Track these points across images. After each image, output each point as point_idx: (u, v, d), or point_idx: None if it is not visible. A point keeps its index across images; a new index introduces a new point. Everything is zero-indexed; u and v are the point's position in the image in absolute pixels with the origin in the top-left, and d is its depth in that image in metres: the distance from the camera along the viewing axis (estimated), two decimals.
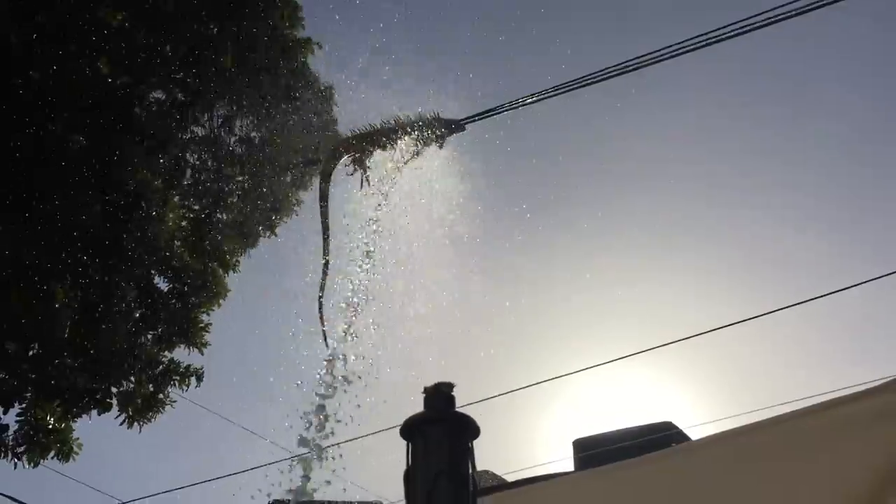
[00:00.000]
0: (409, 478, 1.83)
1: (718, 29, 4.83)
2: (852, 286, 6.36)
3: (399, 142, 5.71)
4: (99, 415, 7.03)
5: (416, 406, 1.91)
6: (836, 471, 2.27)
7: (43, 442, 6.74)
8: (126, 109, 6.88)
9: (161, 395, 7.33)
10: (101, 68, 6.72)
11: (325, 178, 7.01)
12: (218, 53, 7.48)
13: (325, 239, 6.30)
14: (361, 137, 6.31)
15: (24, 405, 6.70)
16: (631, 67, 5.20)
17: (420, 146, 5.62)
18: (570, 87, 5.43)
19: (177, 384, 7.41)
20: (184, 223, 7.56)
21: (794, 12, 4.61)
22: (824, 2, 4.53)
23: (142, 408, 7.19)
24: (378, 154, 5.93)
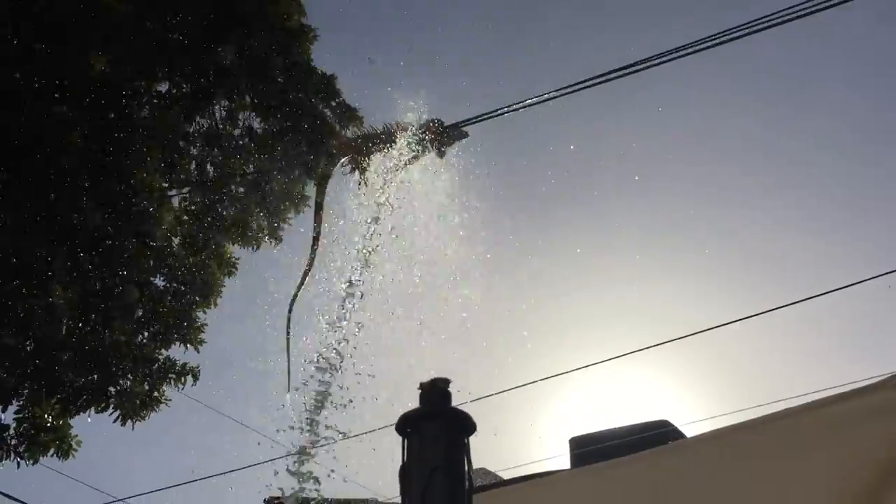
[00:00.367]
0: (405, 474, 1.84)
1: (721, 33, 4.83)
2: (849, 286, 6.37)
3: (398, 144, 5.70)
4: (96, 412, 7.03)
5: (412, 402, 1.91)
6: (831, 468, 2.28)
7: (42, 440, 6.74)
8: (127, 102, 6.86)
9: (156, 394, 7.33)
10: (100, 59, 6.71)
11: (322, 183, 6.99)
12: (219, 42, 7.48)
13: (314, 248, 6.23)
14: (360, 139, 6.29)
15: (21, 402, 6.69)
16: (633, 70, 5.20)
17: (420, 151, 5.60)
18: (570, 90, 5.44)
19: (172, 382, 7.42)
20: (185, 217, 7.55)
21: (794, 15, 4.61)
22: (825, 4, 4.53)
23: (138, 406, 7.19)
24: (377, 156, 5.91)
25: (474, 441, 1.90)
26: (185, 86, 7.58)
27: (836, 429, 2.28)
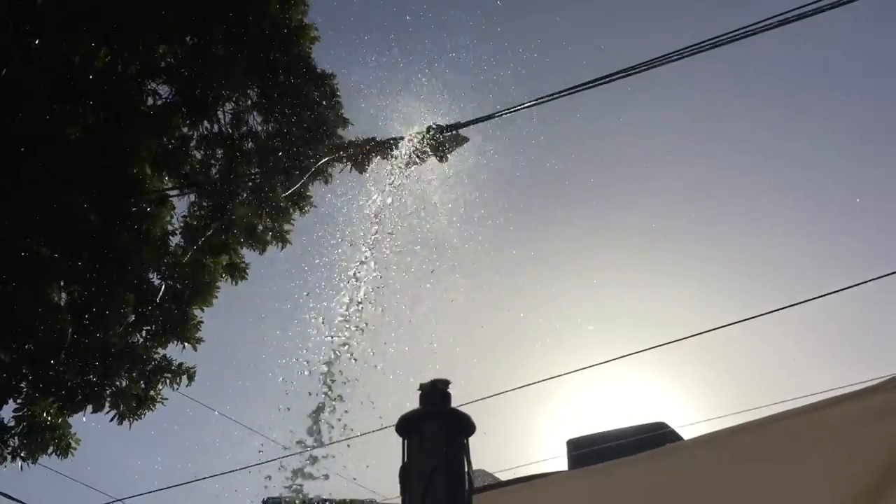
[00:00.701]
0: (405, 474, 1.84)
1: (722, 35, 4.84)
2: (847, 288, 6.38)
3: (400, 151, 5.71)
4: (93, 412, 7.02)
5: (412, 403, 1.92)
6: (829, 470, 2.29)
7: (42, 438, 6.72)
8: (129, 99, 6.86)
9: (153, 393, 7.33)
10: (102, 54, 6.71)
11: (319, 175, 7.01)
12: (217, 42, 7.49)
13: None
14: (361, 144, 6.32)
15: (20, 402, 6.68)
16: (632, 72, 5.21)
17: (421, 157, 5.62)
18: (568, 93, 5.45)
19: (168, 382, 7.42)
20: (194, 222, 7.57)
21: (794, 17, 4.63)
22: (824, 6, 4.55)
23: (134, 405, 7.19)
24: (378, 161, 5.93)
25: (472, 442, 1.91)
26: (187, 91, 7.59)
27: (835, 431, 2.29)
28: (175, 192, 7.56)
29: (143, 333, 7.33)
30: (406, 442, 1.88)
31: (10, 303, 6.09)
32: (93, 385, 6.90)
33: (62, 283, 6.42)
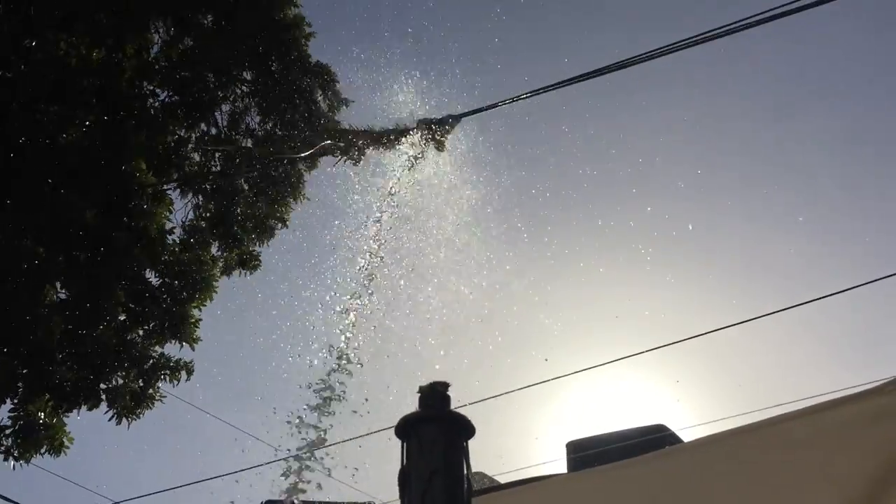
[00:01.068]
0: (404, 477, 1.84)
1: (719, 27, 4.83)
2: (845, 290, 6.38)
3: (398, 146, 5.71)
4: (89, 410, 7.01)
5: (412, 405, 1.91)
6: (826, 473, 2.28)
7: (35, 438, 6.71)
8: (125, 100, 6.87)
9: (151, 391, 7.32)
10: (96, 53, 6.72)
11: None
12: (212, 41, 7.52)
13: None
14: (354, 134, 6.30)
15: (15, 401, 6.67)
16: (627, 63, 5.18)
17: (419, 147, 5.61)
18: (564, 84, 5.42)
19: (167, 378, 7.41)
20: (202, 223, 7.60)
21: (789, 9, 4.62)
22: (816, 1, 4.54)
23: (131, 403, 7.18)
24: (375, 154, 5.93)
25: (472, 444, 1.91)
26: (181, 91, 7.61)
27: (833, 434, 2.29)
28: (172, 187, 7.57)
29: (140, 332, 7.33)
30: (405, 445, 1.87)
31: (5, 301, 6.07)
32: (88, 383, 6.89)
33: (57, 282, 6.40)
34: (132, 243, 6.72)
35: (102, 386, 7.01)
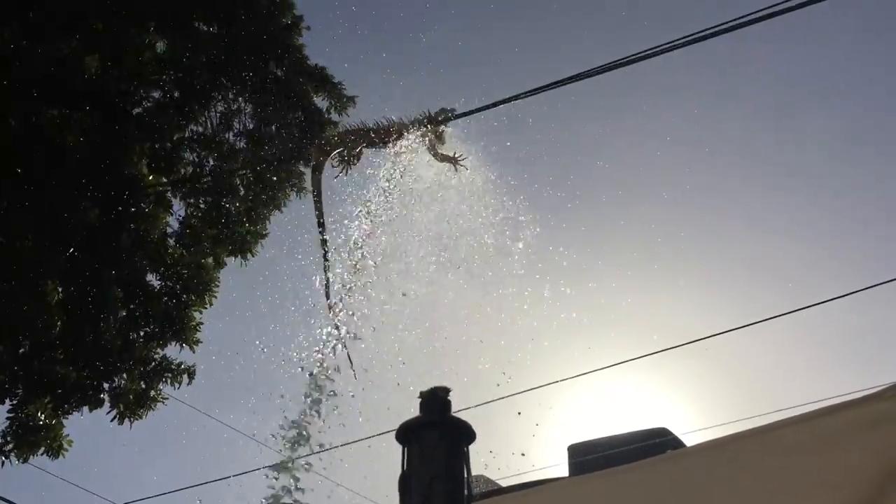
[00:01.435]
0: (405, 482, 1.84)
1: (718, 25, 4.83)
2: (848, 294, 6.38)
3: (395, 139, 5.70)
4: (90, 411, 7.02)
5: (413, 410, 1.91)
6: (826, 478, 2.28)
7: (32, 439, 6.72)
8: (121, 101, 6.90)
9: (153, 393, 7.33)
10: (92, 59, 6.74)
11: (318, 170, 7.00)
12: (207, 44, 7.55)
13: (322, 231, 6.26)
14: (353, 133, 6.30)
15: (14, 402, 6.68)
16: (620, 64, 5.18)
17: (420, 141, 5.60)
18: (563, 83, 5.41)
19: (169, 381, 7.42)
20: (194, 222, 7.61)
21: (784, 8, 4.61)
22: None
23: (133, 404, 7.19)
24: (372, 151, 5.92)
25: (473, 447, 1.91)
26: (175, 92, 7.64)
27: (833, 439, 2.28)
28: (169, 189, 7.58)
29: (141, 333, 7.35)
30: (406, 450, 1.87)
31: (6, 301, 6.09)
32: (88, 384, 6.90)
33: (58, 282, 6.41)
34: (134, 246, 6.74)
35: (105, 386, 7.02)
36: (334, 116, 8.28)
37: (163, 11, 7.25)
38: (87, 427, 7.18)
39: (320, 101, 8.30)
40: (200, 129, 7.96)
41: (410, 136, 5.59)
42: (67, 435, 6.97)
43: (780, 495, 2.32)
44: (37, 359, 6.56)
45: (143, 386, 7.25)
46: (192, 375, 7.50)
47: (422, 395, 1.91)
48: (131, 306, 7.14)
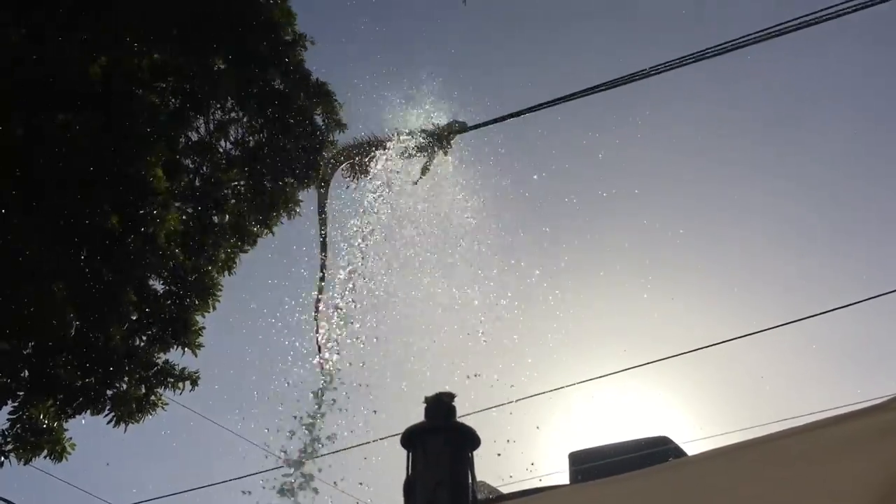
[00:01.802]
0: (409, 487, 1.84)
1: (718, 45, 4.86)
2: (852, 304, 6.38)
3: (405, 152, 5.74)
4: (92, 415, 7.02)
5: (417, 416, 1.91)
6: (831, 488, 2.27)
7: (34, 441, 6.71)
8: (126, 106, 6.92)
9: (153, 397, 7.32)
10: (97, 64, 6.77)
11: (324, 186, 7.02)
12: (209, 55, 7.58)
13: (323, 248, 6.30)
14: (359, 147, 6.35)
15: (17, 403, 6.67)
16: (627, 80, 5.23)
17: (428, 152, 5.64)
18: (569, 98, 5.46)
19: (171, 386, 7.41)
20: (181, 227, 7.60)
21: (791, 27, 4.64)
22: (819, 18, 4.57)
23: (133, 409, 7.17)
24: (382, 162, 5.96)
25: (476, 453, 1.91)
26: (172, 99, 7.67)
27: (837, 450, 2.28)
28: (176, 192, 7.60)
29: (144, 337, 7.35)
30: (410, 454, 1.87)
31: (16, 302, 6.09)
32: (92, 388, 6.90)
33: (62, 284, 6.42)
34: (143, 249, 6.75)
35: (108, 392, 7.02)
36: (330, 136, 8.32)
37: (165, 25, 7.28)
38: (86, 428, 7.18)
39: (319, 119, 8.34)
40: (196, 137, 8.00)
41: (415, 147, 5.63)
42: (70, 438, 6.97)
43: None
44: (42, 361, 6.56)
45: (144, 390, 7.24)
46: (194, 382, 7.49)
47: (427, 400, 1.91)
48: (139, 310, 7.15)
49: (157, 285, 7.50)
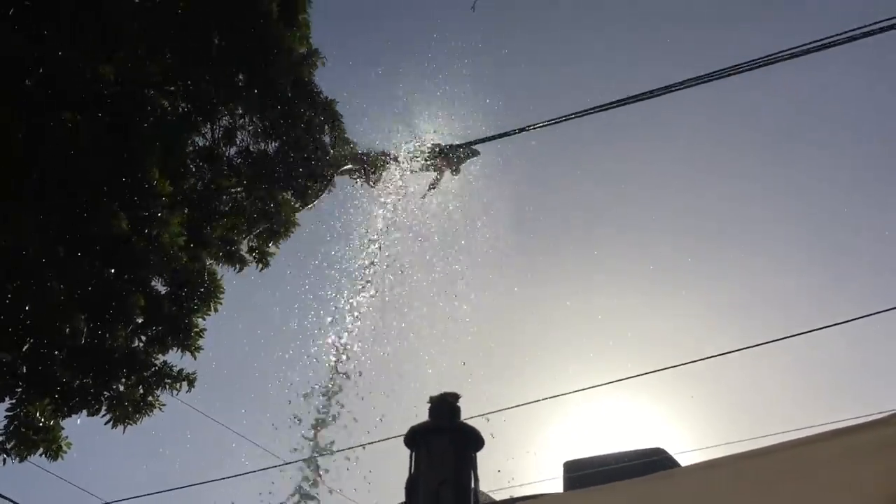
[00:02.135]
0: (412, 486, 1.86)
1: (726, 68, 4.91)
2: (848, 321, 6.42)
3: (415, 166, 5.81)
4: (89, 416, 7.02)
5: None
6: (833, 500, 2.29)
7: (32, 439, 6.71)
8: (135, 110, 6.94)
9: (150, 398, 7.32)
10: (106, 67, 6.79)
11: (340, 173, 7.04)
12: (221, 64, 7.63)
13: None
14: (369, 160, 6.40)
15: (14, 401, 6.67)
16: (626, 102, 5.30)
17: (436, 171, 5.71)
18: (573, 116, 5.52)
19: (168, 387, 7.41)
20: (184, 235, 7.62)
21: (786, 55, 4.71)
22: (815, 46, 4.63)
23: (130, 410, 7.17)
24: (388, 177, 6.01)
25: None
26: (183, 105, 7.70)
27: (835, 463, 2.29)
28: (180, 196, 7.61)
29: (144, 339, 7.35)
30: (414, 454, 1.89)
31: (22, 302, 6.10)
32: (90, 388, 6.90)
33: (74, 285, 6.43)
34: (148, 250, 6.77)
35: (106, 393, 7.02)
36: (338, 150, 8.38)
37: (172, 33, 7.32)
38: (83, 426, 7.18)
39: (327, 139, 8.41)
40: (203, 143, 8.03)
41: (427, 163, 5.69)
42: (66, 437, 6.97)
43: None
44: (43, 359, 6.55)
45: (142, 391, 7.25)
46: (191, 383, 7.49)
47: (431, 399, 1.93)
48: (141, 311, 7.16)
49: (159, 286, 7.51)
